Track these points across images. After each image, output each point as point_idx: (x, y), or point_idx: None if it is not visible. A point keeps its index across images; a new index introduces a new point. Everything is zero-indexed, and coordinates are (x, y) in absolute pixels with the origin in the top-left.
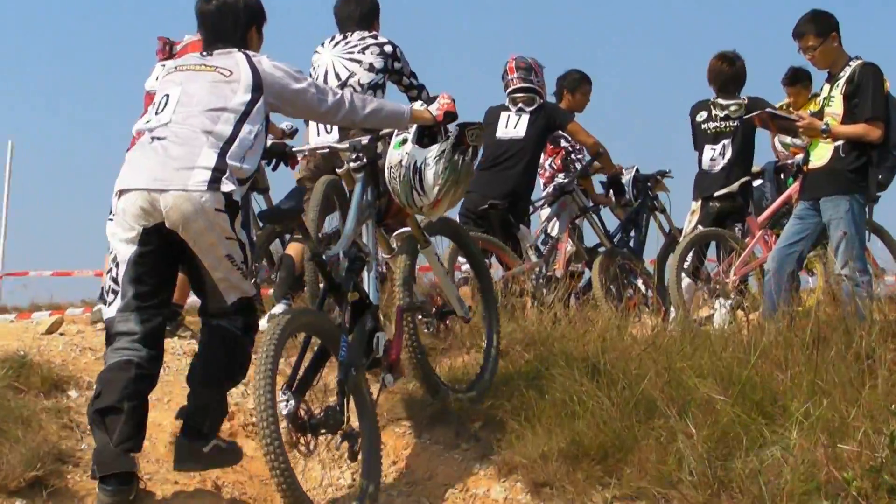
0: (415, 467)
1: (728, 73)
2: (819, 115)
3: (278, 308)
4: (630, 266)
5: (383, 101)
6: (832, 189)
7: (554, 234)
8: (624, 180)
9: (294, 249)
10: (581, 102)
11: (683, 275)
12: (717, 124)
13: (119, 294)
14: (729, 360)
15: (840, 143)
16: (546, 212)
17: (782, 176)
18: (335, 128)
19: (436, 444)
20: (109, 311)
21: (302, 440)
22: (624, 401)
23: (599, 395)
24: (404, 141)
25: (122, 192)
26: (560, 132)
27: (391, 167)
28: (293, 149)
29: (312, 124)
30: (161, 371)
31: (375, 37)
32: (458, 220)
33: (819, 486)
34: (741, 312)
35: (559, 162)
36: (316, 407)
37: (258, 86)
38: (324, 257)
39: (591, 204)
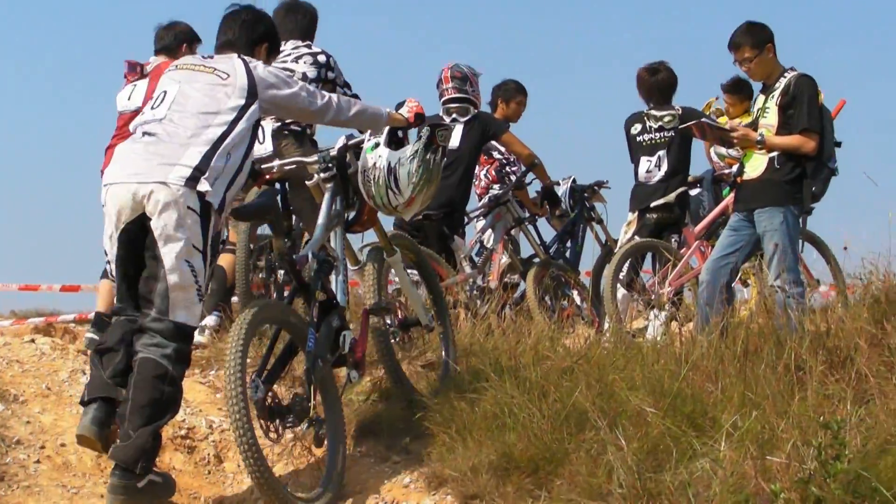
0: (345, 480)
1: (651, 82)
2: (753, 125)
3: (209, 319)
4: (565, 277)
5: (365, 103)
6: (767, 200)
7: (489, 245)
8: (560, 191)
9: (225, 261)
10: (516, 112)
11: (619, 286)
12: (652, 136)
13: (116, 288)
14: (661, 372)
15: (775, 154)
16: (481, 223)
17: (720, 186)
18: (269, 139)
19: (366, 457)
20: (115, 301)
21: (270, 426)
22: (555, 413)
23: (531, 407)
24: (376, 145)
25: (108, 185)
26: (494, 143)
27: (365, 170)
28: (262, 165)
29: None
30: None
31: (309, 46)
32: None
33: (747, 498)
34: (675, 324)
35: (493, 173)
36: (284, 399)
37: (252, 91)
38: (294, 258)
39: (527, 215)
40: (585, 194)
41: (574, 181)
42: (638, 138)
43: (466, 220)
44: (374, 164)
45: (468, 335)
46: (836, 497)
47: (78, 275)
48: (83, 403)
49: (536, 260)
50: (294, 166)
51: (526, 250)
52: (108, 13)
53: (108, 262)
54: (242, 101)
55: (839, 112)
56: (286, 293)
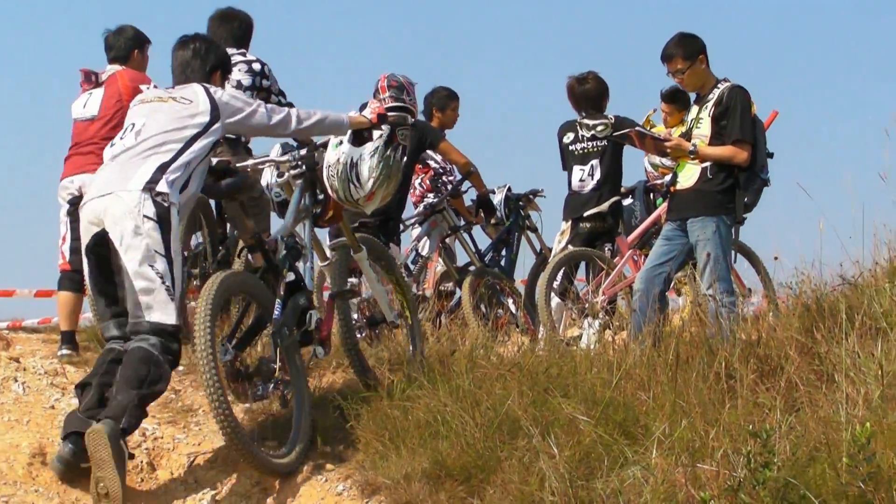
0: (278, 488)
1: (579, 92)
2: (687, 136)
3: None
4: (500, 285)
5: (325, 111)
6: (699, 210)
7: (424, 253)
8: (495, 200)
9: None
10: (451, 118)
11: (553, 294)
12: (585, 145)
13: (93, 306)
14: (593, 380)
15: (707, 164)
16: (416, 231)
17: (652, 196)
18: None
19: (300, 466)
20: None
21: (237, 387)
22: (488, 421)
23: (463, 415)
24: (340, 142)
25: (82, 206)
26: (429, 152)
27: (329, 166)
28: (236, 164)
29: None
30: (20, 391)
31: (244, 54)
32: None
33: None
34: (609, 332)
35: (428, 182)
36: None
37: (215, 113)
38: (264, 239)
39: (462, 223)
40: (520, 203)
41: (509, 190)
42: (571, 147)
43: (402, 228)
44: (338, 159)
45: (402, 343)
46: None
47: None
48: (62, 438)
49: (472, 268)
50: (267, 164)
51: (462, 258)
52: (64, 20)
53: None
54: (206, 120)
55: (772, 123)
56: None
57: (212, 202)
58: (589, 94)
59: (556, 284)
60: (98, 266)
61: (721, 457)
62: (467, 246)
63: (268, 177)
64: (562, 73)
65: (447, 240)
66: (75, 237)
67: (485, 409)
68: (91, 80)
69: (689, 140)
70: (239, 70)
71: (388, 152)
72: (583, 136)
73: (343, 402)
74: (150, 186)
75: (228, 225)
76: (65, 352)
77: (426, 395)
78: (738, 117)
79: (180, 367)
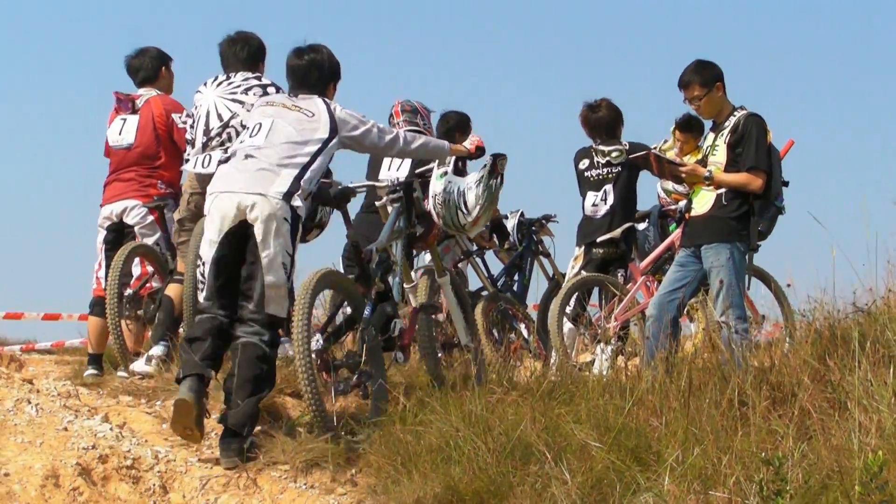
0: None
1: (593, 120)
2: (703, 163)
3: (156, 350)
4: (512, 310)
5: (428, 137)
6: (713, 237)
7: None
8: (509, 224)
9: (173, 291)
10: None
11: (565, 320)
12: (600, 171)
13: (205, 286)
14: (606, 406)
15: (722, 191)
16: (430, 255)
17: (666, 221)
18: (214, 166)
19: (311, 489)
20: (199, 297)
21: (325, 376)
22: (500, 446)
23: (476, 440)
24: (444, 174)
25: (214, 195)
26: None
27: (436, 195)
28: (352, 185)
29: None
30: (33, 413)
31: (259, 78)
32: (342, 262)
33: None
34: (621, 358)
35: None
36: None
37: (334, 128)
38: (363, 249)
39: (475, 248)
40: (533, 228)
41: (522, 214)
42: (586, 173)
43: (415, 252)
44: (444, 188)
45: (415, 368)
46: None
47: (23, 303)
48: (178, 380)
49: (484, 293)
50: (364, 190)
51: (474, 283)
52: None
53: (202, 264)
54: (326, 136)
55: (787, 152)
56: None
57: None
58: (602, 121)
59: (568, 310)
60: (228, 252)
61: (733, 484)
62: (480, 271)
63: None
64: (577, 98)
65: (460, 264)
66: (109, 264)
67: (497, 435)
68: (128, 106)
69: (704, 167)
70: (254, 94)
71: (491, 181)
72: (598, 162)
73: (355, 426)
74: (288, 196)
75: None
76: (92, 372)
77: (439, 419)
78: (753, 145)
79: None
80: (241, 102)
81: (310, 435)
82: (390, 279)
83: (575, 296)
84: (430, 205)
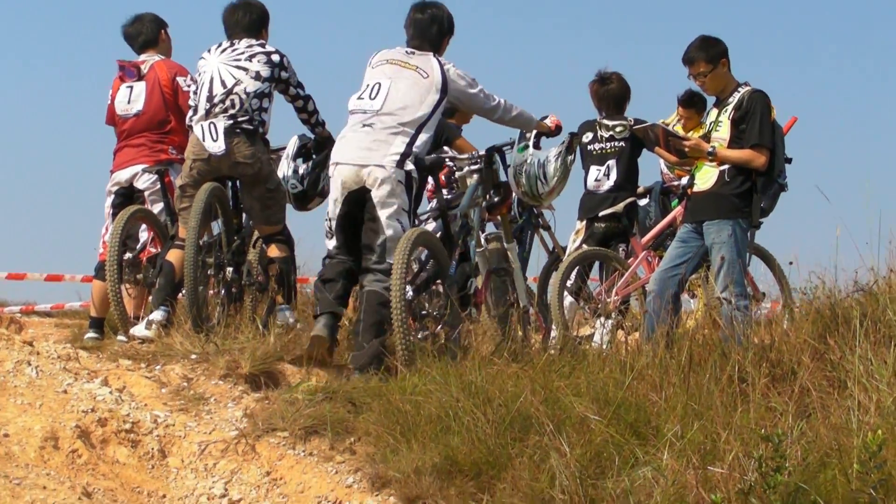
0: (288, 479)
1: (602, 93)
2: (706, 138)
3: (157, 315)
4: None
5: (522, 109)
6: (716, 213)
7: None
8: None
9: (175, 256)
10: (466, 115)
11: (566, 293)
12: (603, 145)
13: (333, 237)
14: (605, 380)
15: (725, 167)
16: (431, 226)
17: (668, 197)
18: (221, 137)
19: (310, 456)
20: (329, 245)
21: (412, 324)
22: (499, 418)
23: (475, 411)
24: (526, 147)
25: (335, 164)
26: (445, 147)
27: (516, 165)
28: (442, 156)
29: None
30: (33, 375)
31: (263, 45)
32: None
33: None
34: (621, 333)
35: (443, 178)
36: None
37: (444, 88)
38: (450, 213)
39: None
40: None
41: None
42: (589, 147)
43: (416, 222)
44: (526, 160)
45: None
46: None
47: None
48: (315, 316)
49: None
50: (449, 160)
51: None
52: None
53: (330, 220)
54: (437, 97)
55: (790, 129)
56: (233, 290)
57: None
58: (612, 94)
59: (569, 283)
60: (350, 210)
61: (732, 460)
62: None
63: (284, 169)
64: (579, 72)
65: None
66: None
67: (497, 406)
68: (133, 73)
69: (707, 142)
70: (258, 61)
71: (568, 157)
72: (601, 136)
73: (355, 395)
74: (402, 163)
75: (244, 215)
76: (92, 335)
77: (438, 390)
78: (757, 122)
79: (193, 356)
80: (245, 69)
81: (308, 402)
82: (469, 243)
83: (576, 270)
84: (509, 175)
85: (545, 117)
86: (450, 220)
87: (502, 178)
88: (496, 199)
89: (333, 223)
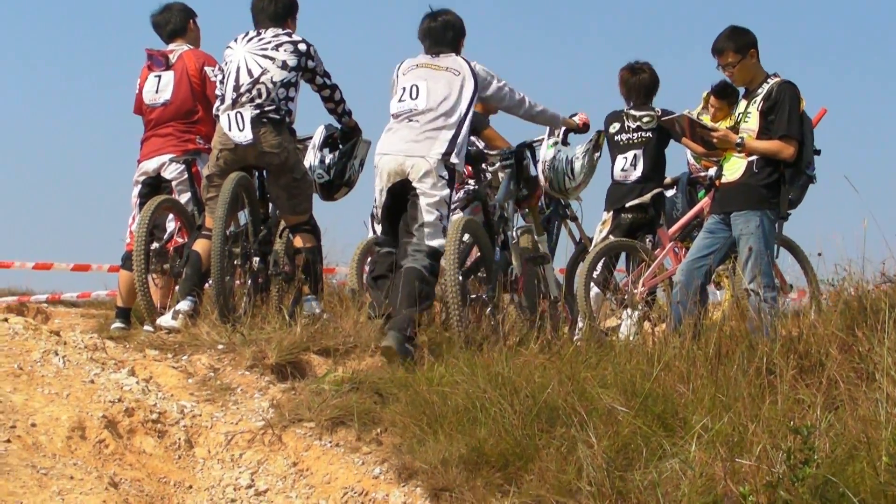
0: (315, 469)
1: (632, 82)
2: (734, 129)
3: (183, 304)
4: (540, 273)
5: (545, 106)
6: (744, 204)
7: (465, 239)
8: None
9: (201, 246)
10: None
11: (592, 284)
12: (630, 136)
13: (381, 225)
14: (633, 371)
15: (753, 158)
16: (457, 216)
17: (695, 188)
18: (248, 127)
19: (336, 447)
20: (377, 230)
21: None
22: (526, 409)
23: (502, 402)
24: (555, 143)
25: (381, 155)
26: (472, 138)
27: (546, 161)
28: (484, 150)
29: None
30: (60, 365)
31: (290, 34)
32: (370, 221)
33: (716, 500)
34: (648, 324)
35: (469, 168)
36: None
37: (475, 86)
38: (489, 204)
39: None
40: None
41: None
42: (616, 137)
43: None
44: (555, 156)
45: (439, 328)
46: (804, 501)
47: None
48: (370, 318)
49: None
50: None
51: None
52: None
53: (376, 208)
54: (470, 94)
55: (820, 121)
56: (260, 281)
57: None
58: (643, 83)
59: (595, 274)
60: (394, 200)
61: (760, 452)
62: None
63: (311, 159)
64: (605, 63)
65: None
66: None
67: (523, 397)
68: (161, 62)
69: (736, 133)
70: (285, 50)
71: (595, 154)
72: (628, 126)
73: (381, 386)
74: (445, 158)
75: (270, 205)
76: (118, 325)
77: (465, 381)
78: (786, 113)
79: (220, 346)
80: (272, 59)
81: (335, 393)
82: (507, 232)
83: (602, 261)
84: (538, 169)
85: (574, 115)
86: (490, 209)
87: (532, 172)
88: (526, 193)
89: (379, 212)
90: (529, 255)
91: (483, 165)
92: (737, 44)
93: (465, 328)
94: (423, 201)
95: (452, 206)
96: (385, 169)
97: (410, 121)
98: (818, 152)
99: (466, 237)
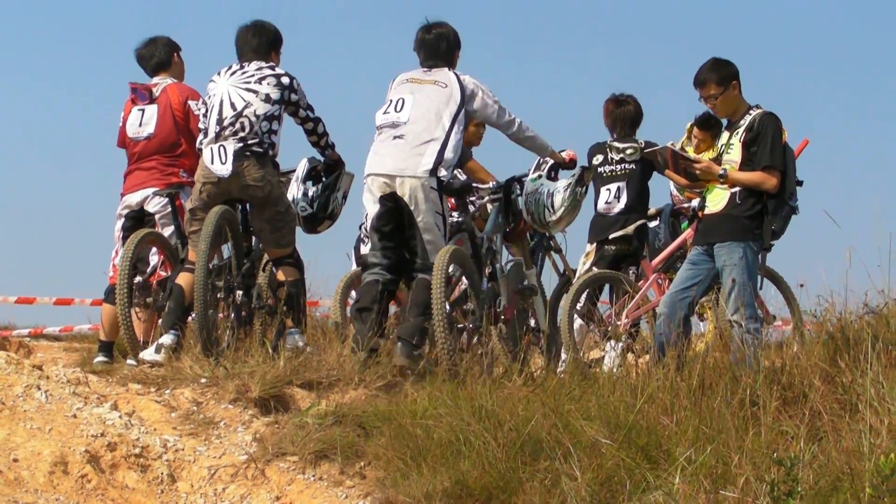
0: (298, 503)
1: (617, 113)
2: (717, 161)
3: (166, 338)
4: (524, 305)
5: (536, 133)
6: (727, 235)
7: (451, 270)
8: None
9: (184, 279)
10: (476, 135)
11: (576, 316)
12: (614, 167)
13: (369, 238)
14: (616, 403)
15: (737, 189)
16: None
17: (678, 219)
18: (230, 160)
19: (320, 481)
20: (364, 250)
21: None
22: (510, 442)
23: (486, 435)
24: (539, 177)
25: (370, 175)
26: (456, 170)
27: (528, 193)
28: (470, 182)
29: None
30: (43, 399)
31: (273, 67)
32: (354, 254)
33: None
34: (631, 356)
35: (452, 200)
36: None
37: (462, 97)
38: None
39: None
40: None
41: None
42: (599, 169)
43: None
44: (537, 189)
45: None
46: None
47: (36, 288)
48: (354, 353)
49: None
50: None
51: None
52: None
53: (364, 225)
54: (456, 107)
55: (802, 151)
56: (243, 314)
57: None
58: (629, 114)
59: (579, 306)
60: (381, 215)
61: (744, 484)
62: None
63: (294, 192)
64: (588, 95)
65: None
66: None
67: (507, 430)
68: (145, 96)
69: (718, 164)
70: (268, 84)
71: (577, 189)
72: (612, 158)
73: (365, 419)
74: (434, 171)
75: (254, 238)
76: (101, 359)
77: (449, 413)
78: (768, 144)
79: (203, 379)
80: (255, 92)
81: (318, 426)
82: (495, 264)
83: (586, 292)
84: (522, 202)
85: (562, 151)
86: (477, 241)
87: (520, 206)
88: (514, 226)
89: (368, 225)
90: (518, 287)
91: (469, 197)
92: (719, 75)
93: (451, 357)
94: (418, 218)
95: None
96: (375, 185)
97: (395, 138)
98: (800, 183)
99: (452, 267)
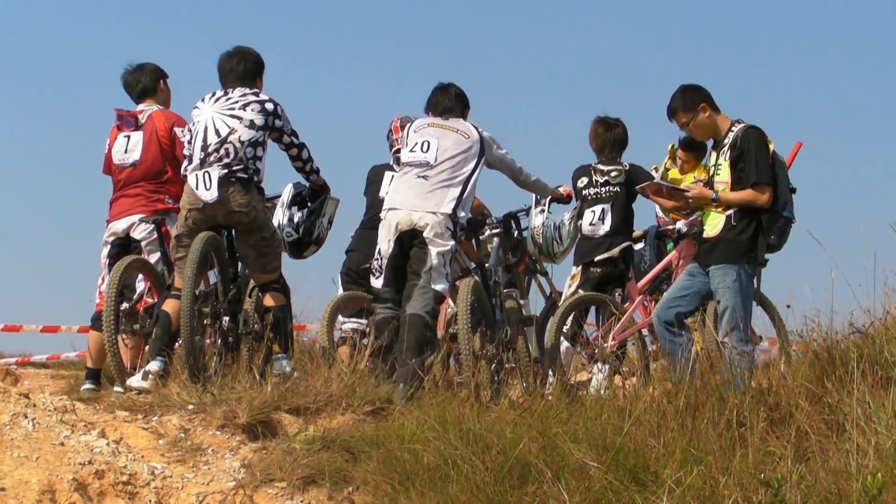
0: None
1: (606, 136)
2: (709, 183)
3: (153, 365)
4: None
5: (538, 176)
6: (721, 258)
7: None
8: None
9: (171, 306)
10: None
11: (562, 339)
12: (598, 190)
13: (383, 275)
14: (604, 425)
15: (731, 211)
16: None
17: (663, 241)
18: (215, 186)
19: None
20: (376, 283)
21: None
22: (498, 465)
23: (474, 459)
24: (542, 211)
25: (391, 209)
26: None
27: (535, 227)
28: (482, 218)
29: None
30: (30, 428)
31: (257, 94)
32: (340, 278)
33: None
34: (618, 378)
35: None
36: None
37: (482, 149)
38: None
39: (473, 265)
40: None
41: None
42: (584, 192)
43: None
44: (543, 222)
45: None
46: None
47: (20, 316)
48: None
49: None
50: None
51: None
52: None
53: (381, 258)
54: (477, 157)
55: (796, 156)
56: (230, 340)
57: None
58: (618, 138)
59: (565, 329)
60: (395, 256)
61: None
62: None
63: (279, 217)
64: (573, 117)
65: (457, 282)
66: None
67: (495, 454)
68: (130, 123)
69: (711, 187)
70: (252, 110)
71: (579, 222)
72: (596, 181)
73: (353, 444)
74: (452, 214)
75: (240, 264)
76: (88, 386)
77: (437, 438)
78: (753, 159)
79: (190, 406)
80: (239, 118)
81: (307, 452)
82: (499, 296)
83: (572, 315)
84: (528, 235)
85: (559, 187)
86: (486, 272)
87: (519, 238)
88: (514, 259)
89: (384, 262)
90: (519, 318)
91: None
92: (685, 103)
93: (474, 382)
94: (431, 248)
95: None
96: (394, 220)
97: (419, 177)
98: (794, 191)
99: (472, 299)
